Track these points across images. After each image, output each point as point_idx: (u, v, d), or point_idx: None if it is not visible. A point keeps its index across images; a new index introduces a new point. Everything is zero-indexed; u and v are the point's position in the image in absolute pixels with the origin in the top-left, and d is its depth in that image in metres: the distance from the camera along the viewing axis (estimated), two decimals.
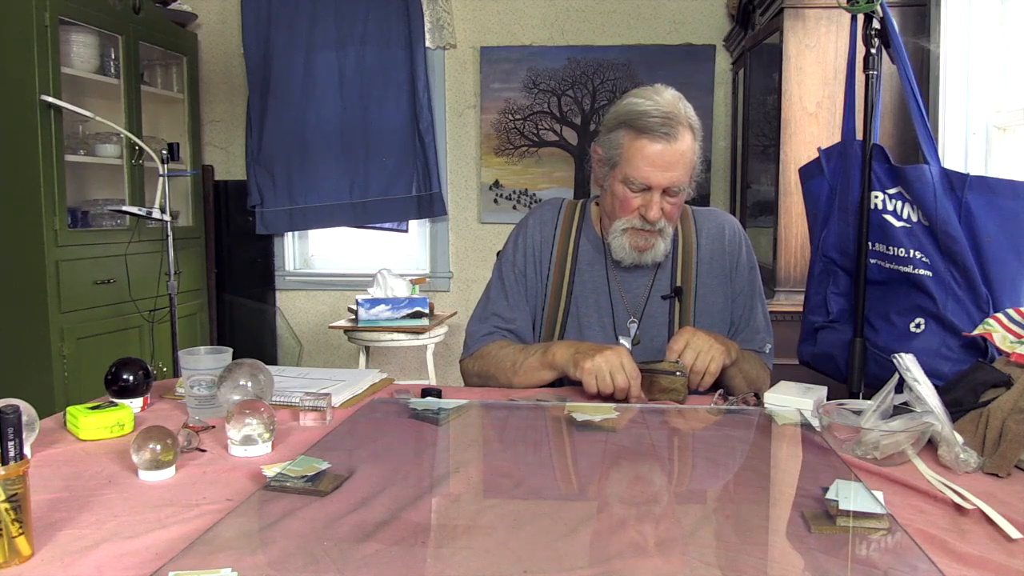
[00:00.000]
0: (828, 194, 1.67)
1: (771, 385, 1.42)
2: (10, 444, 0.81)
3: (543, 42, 4.00)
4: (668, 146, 1.48)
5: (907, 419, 1.11)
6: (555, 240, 1.70)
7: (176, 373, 2.13)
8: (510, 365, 1.59)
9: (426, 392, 1.45)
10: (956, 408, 1.14)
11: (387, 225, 4.18)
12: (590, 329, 1.64)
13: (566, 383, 1.60)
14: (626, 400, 1.42)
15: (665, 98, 1.51)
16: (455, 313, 3.85)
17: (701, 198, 3.89)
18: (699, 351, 1.45)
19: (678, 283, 1.64)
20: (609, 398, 1.42)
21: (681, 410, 1.39)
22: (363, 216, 4.12)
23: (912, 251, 1.50)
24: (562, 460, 1.20)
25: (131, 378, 1.38)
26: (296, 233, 4.31)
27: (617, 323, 1.64)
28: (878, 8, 1.49)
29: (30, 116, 2.89)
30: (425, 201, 4.07)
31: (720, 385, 1.54)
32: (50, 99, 2.90)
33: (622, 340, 1.61)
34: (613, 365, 1.41)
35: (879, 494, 0.94)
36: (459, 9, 4.02)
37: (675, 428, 1.34)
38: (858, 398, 1.48)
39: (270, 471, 1.04)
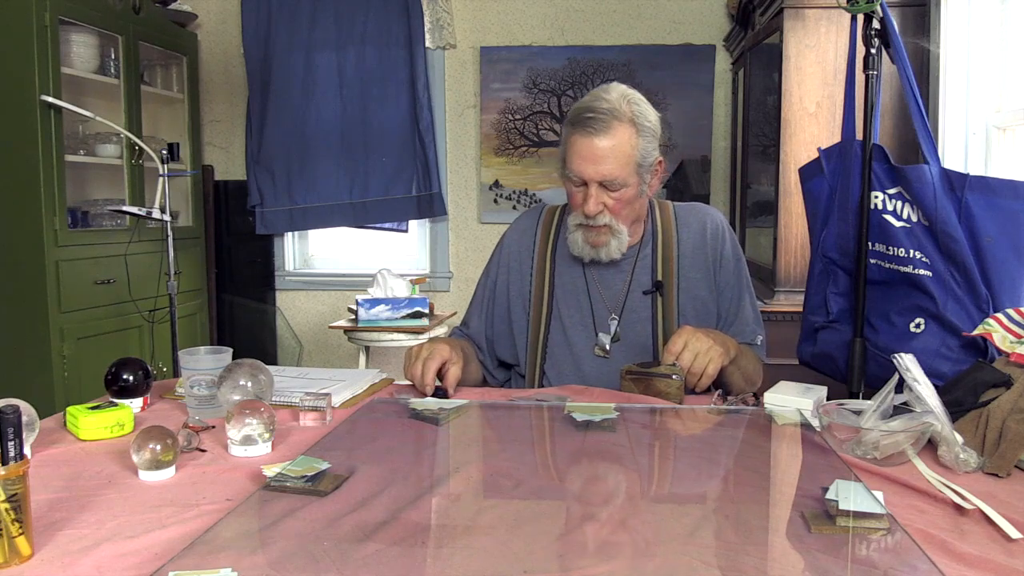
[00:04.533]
0: (828, 194, 1.67)
1: (766, 378, 1.42)
2: (10, 444, 0.81)
3: (543, 42, 4.00)
4: (597, 140, 1.49)
5: (907, 419, 1.11)
6: (535, 246, 1.72)
7: (176, 373, 2.13)
8: None
9: (438, 390, 1.47)
10: (956, 408, 1.14)
11: (387, 225, 4.18)
12: (573, 329, 1.65)
13: (550, 373, 1.62)
14: (639, 367, 1.47)
15: (609, 95, 1.53)
16: (455, 313, 3.85)
17: (701, 198, 3.89)
18: (697, 352, 1.45)
19: (658, 277, 1.64)
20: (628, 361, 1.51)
21: (681, 410, 1.39)
22: (363, 216, 4.12)
23: (912, 251, 1.50)
24: (562, 460, 1.20)
25: (131, 378, 1.38)
26: (296, 233, 4.31)
27: (597, 321, 1.64)
28: (878, 8, 1.49)
29: (30, 116, 2.89)
30: (425, 201, 4.07)
31: (718, 383, 1.54)
32: (50, 99, 2.90)
33: (601, 337, 1.62)
34: (413, 364, 1.50)
35: (879, 494, 0.93)
36: (459, 9, 4.02)
37: (675, 428, 1.34)
38: (858, 398, 1.48)
39: (270, 471, 1.04)
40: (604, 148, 1.49)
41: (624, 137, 1.50)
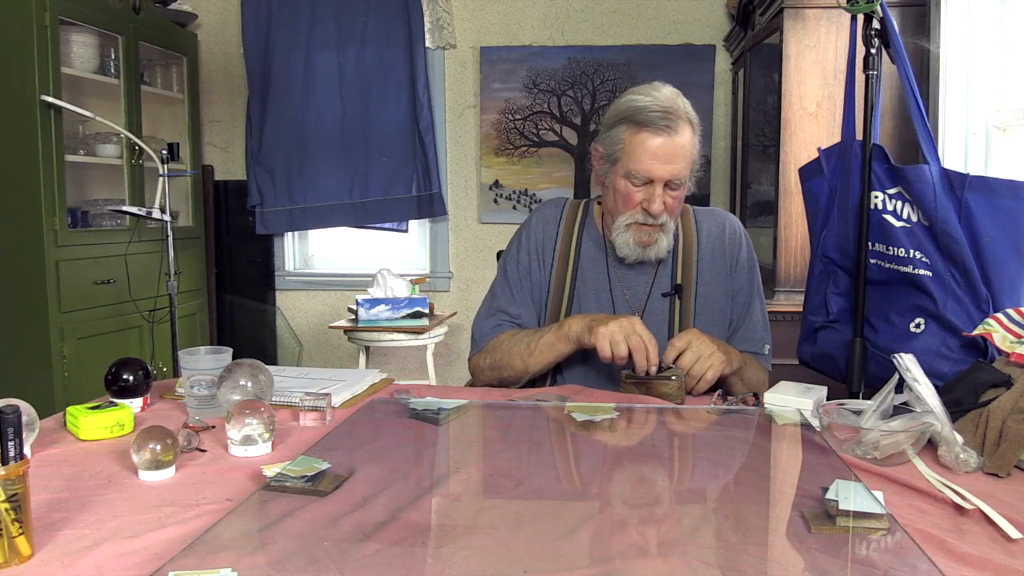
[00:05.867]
0: (828, 194, 1.67)
1: (770, 385, 1.42)
2: (10, 444, 0.81)
3: (543, 42, 4.00)
4: (669, 139, 1.49)
5: (907, 419, 1.11)
6: (558, 237, 1.70)
7: (176, 373, 2.13)
8: (525, 348, 1.59)
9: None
10: (956, 408, 1.14)
11: (387, 225, 4.18)
12: None
13: (568, 380, 1.60)
14: (647, 373, 1.44)
15: (664, 94, 1.53)
16: (455, 313, 3.85)
17: (701, 198, 3.89)
18: (699, 355, 1.45)
19: (678, 280, 1.64)
20: (626, 366, 1.46)
21: (681, 410, 1.39)
22: (363, 216, 4.12)
23: (912, 251, 1.50)
24: (562, 460, 1.20)
25: (131, 378, 1.38)
26: (296, 233, 4.31)
27: None
28: (878, 8, 1.49)
29: (30, 116, 2.89)
30: (425, 201, 4.07)
31: (719, 387, 1.54)
32: (50, 99, 2.89)
33: None
34: (627, 330, 1.44)
35: (879, 494, 0.94)
36: (459, 9, 4.02)
37: (675, 428, 1.34)
38: (858, 398, 1.48)
39: (270, 471, 1.04)
40: (677, 147, 1.50)
41: (688, 135, 1.52)
